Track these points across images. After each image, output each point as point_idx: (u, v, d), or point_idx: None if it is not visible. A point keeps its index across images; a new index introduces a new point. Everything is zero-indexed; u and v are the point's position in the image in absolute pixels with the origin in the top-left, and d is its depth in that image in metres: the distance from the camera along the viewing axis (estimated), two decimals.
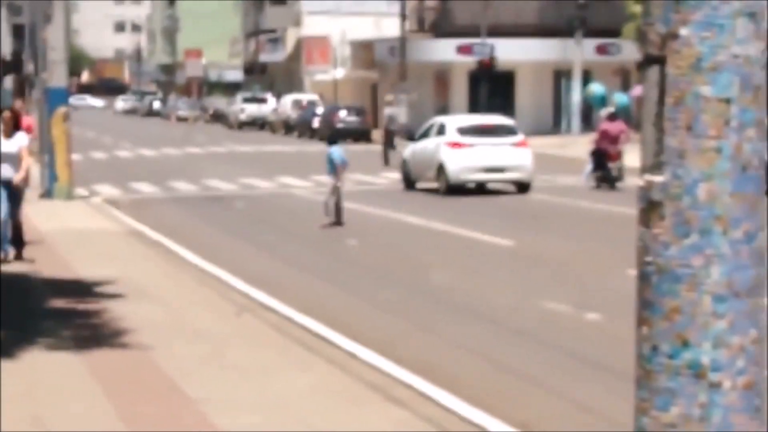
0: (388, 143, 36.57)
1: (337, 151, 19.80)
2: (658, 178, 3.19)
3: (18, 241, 14.82)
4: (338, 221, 19.32)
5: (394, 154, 35.41)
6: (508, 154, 25.83)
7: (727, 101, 3.15)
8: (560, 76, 52.07)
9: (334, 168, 19.62)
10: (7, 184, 14.40)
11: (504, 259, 15.82)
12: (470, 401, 7.98)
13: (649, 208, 3.22)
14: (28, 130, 21.93)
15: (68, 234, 17.69)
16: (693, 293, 3.17)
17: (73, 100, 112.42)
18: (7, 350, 9.25)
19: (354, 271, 14.89)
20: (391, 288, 13.49)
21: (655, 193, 3.20)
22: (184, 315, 11.02)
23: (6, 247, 14.57)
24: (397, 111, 38.40)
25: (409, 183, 27.58)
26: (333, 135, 20.31)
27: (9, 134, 14.54)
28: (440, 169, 25.88)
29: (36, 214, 20.13)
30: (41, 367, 8.78)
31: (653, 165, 3.21)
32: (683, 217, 3.16)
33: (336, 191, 19.39)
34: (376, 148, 48.06)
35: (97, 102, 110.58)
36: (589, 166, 27.56)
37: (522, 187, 25.99)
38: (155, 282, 13.01)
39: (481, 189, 26.58)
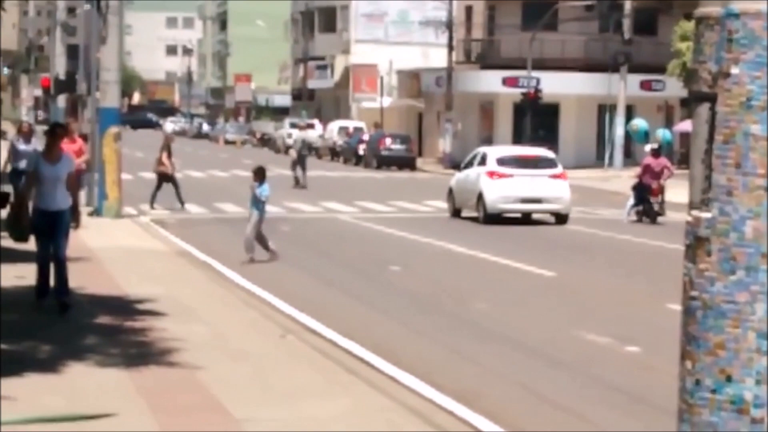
0: (299, 165, 36.63)
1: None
2: (705, 215, 3.23)
3: (62, 285, 11.82)
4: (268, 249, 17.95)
5: (304, 176, 36.30)
6: (546, 186, 25.88)
7: None
8: (604, 110, 52.00)
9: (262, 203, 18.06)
10: (52, 215, 11.72)
11: (546, 289, 15.82)
12: (509, 430, 8.03)
13: (696, 244, 3.25)
14: (79, 153, 21.65)
15: (116, 252, 17.85)
16: (737, 329, 3.19)
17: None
18: (52, 365, 9.39)
19: (396, 297, 14.95)
20: (432, 314, 13.54)
21: (702, 229, 3.24)
22: (230, 335, 11.12)
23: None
24: (309, 136, 39.20)
25: (455, 211, 27.70)
26: (262, 171, 18.76)
27: (55, 157, 11.86)
28: (480, 198, 25.98)
29: (85, 232, 20.37)
30: (86, 382, 8.89)
31: (701, 201, 3.25)
32: (730, 253, 3.19)
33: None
34: (421, 176, 48.12)
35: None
36: (631, 200, 27.53)
37: (560, 218, 26.02)
38: (201, 302, 13.13)
39: (524, 219, 26.59)
